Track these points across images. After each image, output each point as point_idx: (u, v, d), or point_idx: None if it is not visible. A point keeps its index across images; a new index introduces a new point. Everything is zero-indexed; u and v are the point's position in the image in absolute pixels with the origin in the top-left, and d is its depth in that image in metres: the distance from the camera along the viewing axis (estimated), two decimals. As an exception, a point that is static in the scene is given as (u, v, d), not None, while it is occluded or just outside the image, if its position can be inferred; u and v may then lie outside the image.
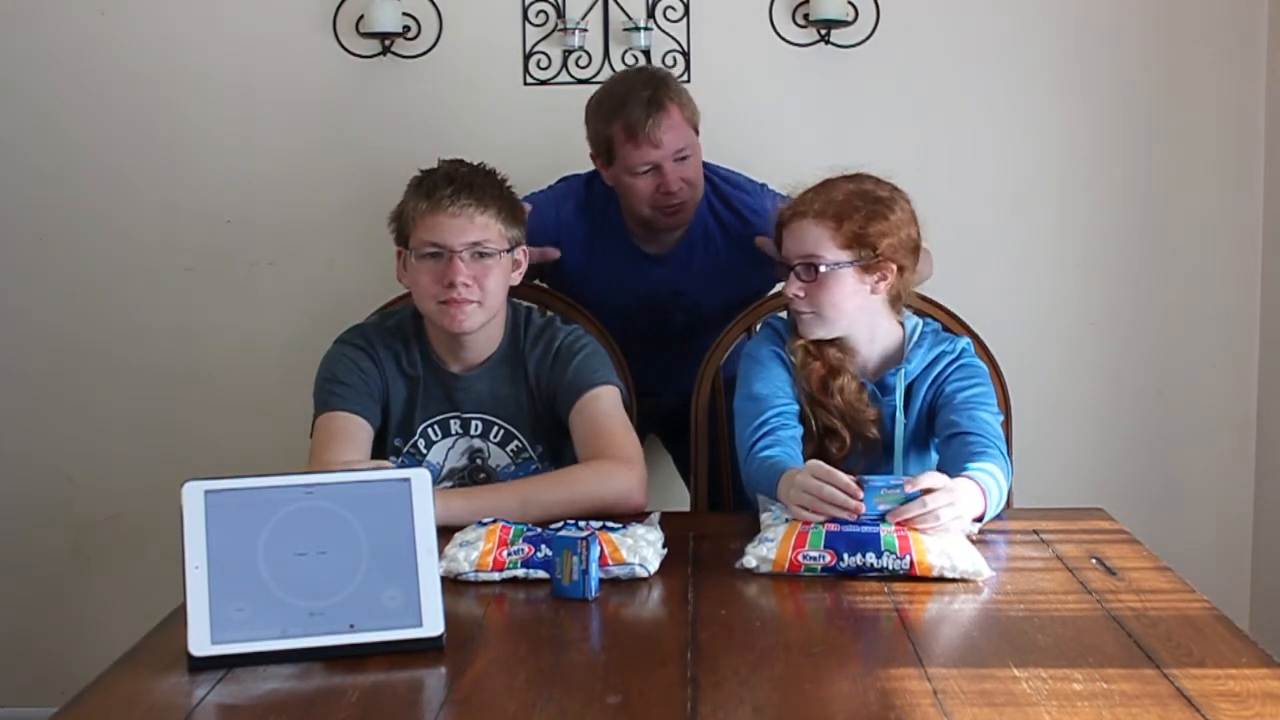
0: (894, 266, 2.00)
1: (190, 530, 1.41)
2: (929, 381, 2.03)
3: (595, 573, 1.59)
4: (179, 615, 1.44)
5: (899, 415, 2.02)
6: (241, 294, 2.92)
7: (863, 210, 1.98)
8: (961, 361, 2.04)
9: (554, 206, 2.48)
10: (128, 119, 2.87)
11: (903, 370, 2.02)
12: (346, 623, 1.41)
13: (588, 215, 2.48)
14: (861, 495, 1.71)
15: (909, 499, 1.70)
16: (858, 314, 2.01)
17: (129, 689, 1.35)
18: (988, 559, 1.67)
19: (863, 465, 1.99)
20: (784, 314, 2.28)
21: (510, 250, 2.07)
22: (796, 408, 2.02)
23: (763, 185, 2.50)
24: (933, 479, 1.74)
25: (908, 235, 2.01)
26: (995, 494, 1.83)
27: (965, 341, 2.08)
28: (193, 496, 1.43)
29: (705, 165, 2.45)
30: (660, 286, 2.48)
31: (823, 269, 1.97)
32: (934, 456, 2.06)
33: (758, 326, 2.25)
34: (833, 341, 2.02)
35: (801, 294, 1.99)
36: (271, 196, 2.89)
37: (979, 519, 1.81)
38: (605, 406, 2.05)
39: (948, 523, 1.71)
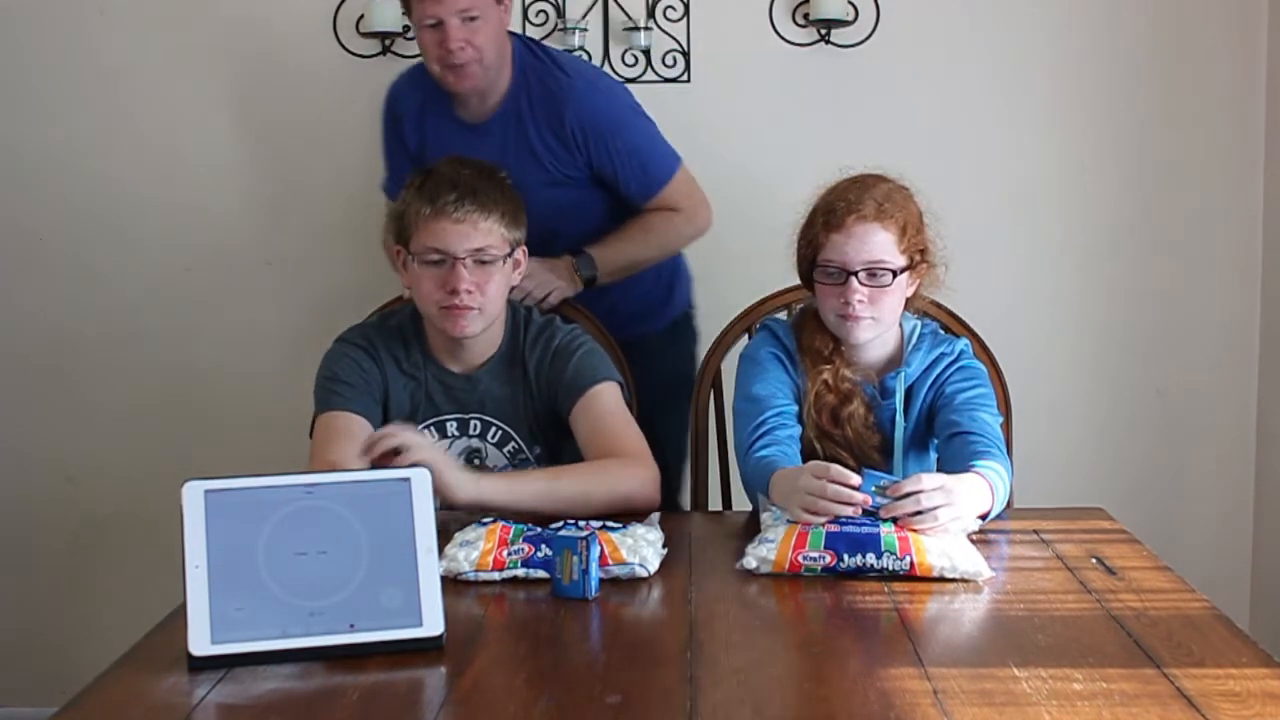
0: (925, 269, 2.00)
1: (190, 530, 1.41)
2: (928, 383, 2.03)
3: (595, 573, 1.59)
4: (179, 615, 1.44)
5: (899, 418, 2.02)
6: (241, 294, 2.92)
7: (912, 213, 1.98)
8: (960, 363, 2.04)
9: (399, 83, 2.49)
10: (127, 119, 2.87)
11: (902, 373, 2.02)
12: (346, 622, 1.41)
13: (420, 85, 2.44)
14: (860, 484, 1.71)
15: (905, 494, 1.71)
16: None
17: (129, 689, 1.35)
18: (988, 559, 1.66)
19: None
20: (781, 315, 2.28)
21: (511, 253, 2.07)
22: (795, 408, 2.02)
23: (597, 71, 2.45)
24: (930, 479, 1.73)
25: (927, 238, 2.02)
26: (1001, 492, 1.83)
27: (964, 342, 2.08)
28: (193, 496, 1.43)
29: (538, 44, 2.42)
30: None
31: (893, 275, 1.95)
32: (933, 457, 2.06)
33: (755, 327, 2.25)
34: (841, 354, 2.02)
35: (865, 299, 1.95)
36: (271, 196, 2.89)
37: (984, 516, 1.81)
38: (607, 404, 2.05)
39: (946, 523, 1.71)
